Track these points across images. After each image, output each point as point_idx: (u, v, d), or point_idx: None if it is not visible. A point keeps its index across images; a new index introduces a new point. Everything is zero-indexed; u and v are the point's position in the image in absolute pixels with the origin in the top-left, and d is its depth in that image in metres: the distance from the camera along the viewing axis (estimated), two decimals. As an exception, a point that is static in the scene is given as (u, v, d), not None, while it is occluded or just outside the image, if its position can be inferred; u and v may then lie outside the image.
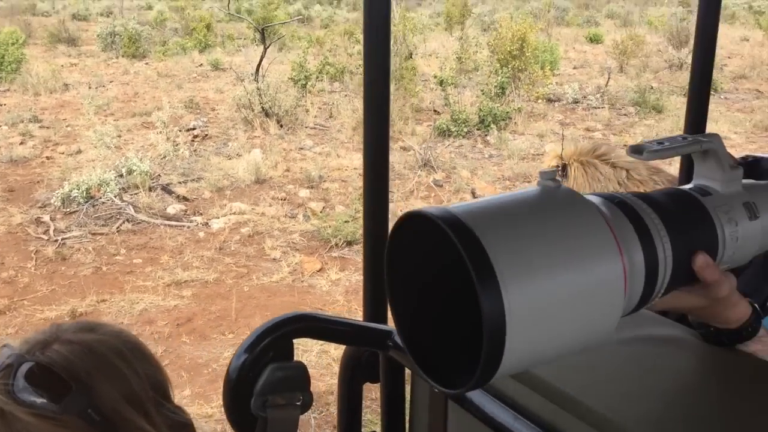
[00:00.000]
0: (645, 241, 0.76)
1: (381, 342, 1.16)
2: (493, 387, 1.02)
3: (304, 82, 12.28)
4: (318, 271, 5.90)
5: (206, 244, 6.45)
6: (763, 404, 0.86)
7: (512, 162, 8.91)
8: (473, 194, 7.69)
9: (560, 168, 5.91)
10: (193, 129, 10.61)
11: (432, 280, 0.77)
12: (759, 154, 1.00)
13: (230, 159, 9.05)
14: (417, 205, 7.45)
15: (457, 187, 8.02)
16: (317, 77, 12.86)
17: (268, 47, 12.43)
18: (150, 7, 36.64)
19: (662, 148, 0.82)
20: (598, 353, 0.97)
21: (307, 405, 1.06)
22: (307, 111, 11.46)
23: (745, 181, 0.91)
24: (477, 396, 1.03)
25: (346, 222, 6.65)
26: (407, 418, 1.25)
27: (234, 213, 7.21)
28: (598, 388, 0.91)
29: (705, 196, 0.85)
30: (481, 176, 8.45)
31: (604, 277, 0.70)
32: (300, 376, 1.07)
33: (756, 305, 0.92)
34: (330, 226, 6.58)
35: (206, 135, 10.42)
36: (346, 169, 8.66)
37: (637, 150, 0.82)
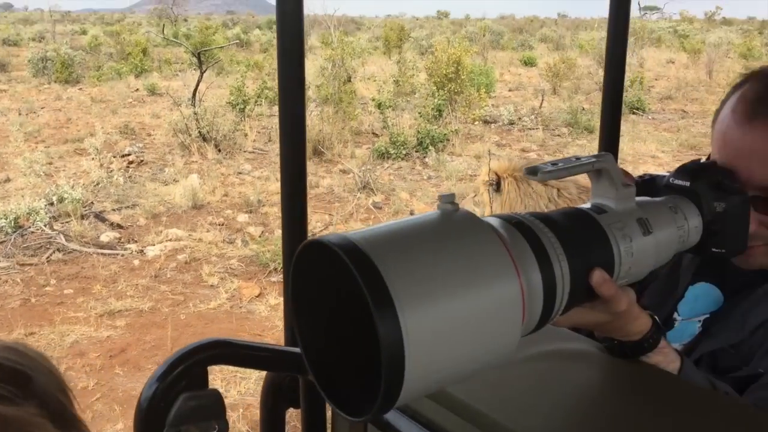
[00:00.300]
0: (542, 260, 0.78)
1: (300, 366, 1.15)
2: (410, 408, 1.02)
3: (242, 107, 12.22)
4: (257, 297, 5.83)
5: (141, 272, 6.30)
6: (664, 414, 0.89)
7: (450, 183, 9.02)
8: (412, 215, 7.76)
9: (495, 182, 6.05)
10: (128, 155, 10.41)
11: (336, 307, 0.77)
12: (654, 172, 1.05)
13: (167, 185, 8.90)
14: (357, 227, 7.45)
15: (397, 209, 8.06)
16: (256, 101, 12.80)
17: (204, 71, 12.34)
18: (84, 32, 35.96)
19: (556, 169, 0.84)
20: (510, 370, 0.99)
21: (222, 434, 1.04)
22: (246, 135, 11.39)
23: (639, 198, 0.95)
24: (395, 418, 1.03)
25: (285, 246, 6.59)
26: (329, 442, 1.24)
27: (170, 239, 7.08)
28: (510, 404, 0.93)
29: (600, 214, 0.88)
30: (420, 197, 8.52)
31: (502, 298, 0.71)
32: (215, 405, 1.05)
33: (656, 318, 0.95)
34: (269, 251, 6.52)
35: (142, 161, 10.23)
36: (285, 193, 8.61)
37: (532, 171, 0.85)
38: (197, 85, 11.74)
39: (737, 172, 1.03)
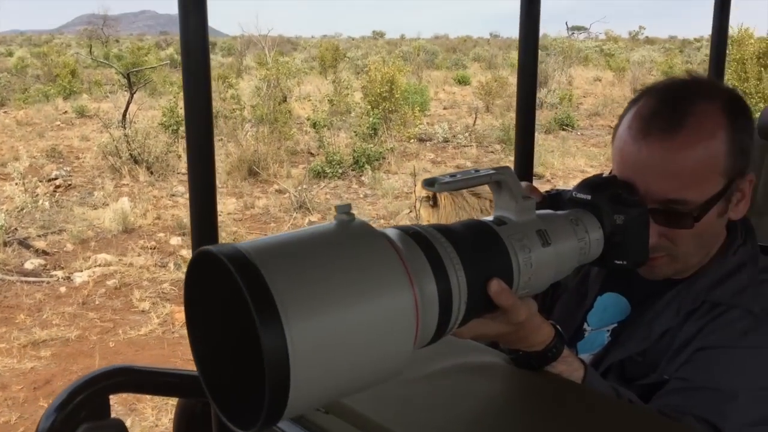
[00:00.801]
0: (438, 271, 0.78)
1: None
2: (315, 425, 1.01)
3: (175, 128, 12.00)
4: (190, 321, 5.70)
5: (68, 299, 6.08)
6: (568, 423, 0.90)
7: (386, 201, 9.06)
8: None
9: (431, 198, 6.12)
10: (55, 179, 10.09)
11: (229, 318, 0.75)
12: (561, 187, 1.06)
13: (96, 209, 8.65)
14: (292, 247, 7.38)
15: (333, 228, 8.03)
16: (189, 122, 12.59)
17: (134, 92, 12.10)
18: (10, 54, 34.87)
19: (453, 180, 0.85)
20: (415, 385, 0.98)
21: (125, 464, 1.00)
22: (179, 157, 11.17)
23: (541, 211, 0.96)
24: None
25: (219, 268, 6.48)
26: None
27: (99, 265, 6.86)
28: (415, 419, 0.92)
29: (500, 225, 0.89)
30: (356, 216, 8.51)
31: (393, 309, 0.70)
32: (117, 435, 1.02)
33: (558, 327, 0.96)
34: (202, 274, 6.39)
35: (70, 185, 9.92)
36: (220, 214, 8.45)
37: (429, 183, 0.85)
38: (127, 107, 11.51)
39: (636, 186, 1.06)
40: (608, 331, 1.18)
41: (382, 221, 8.26)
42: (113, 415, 1.09)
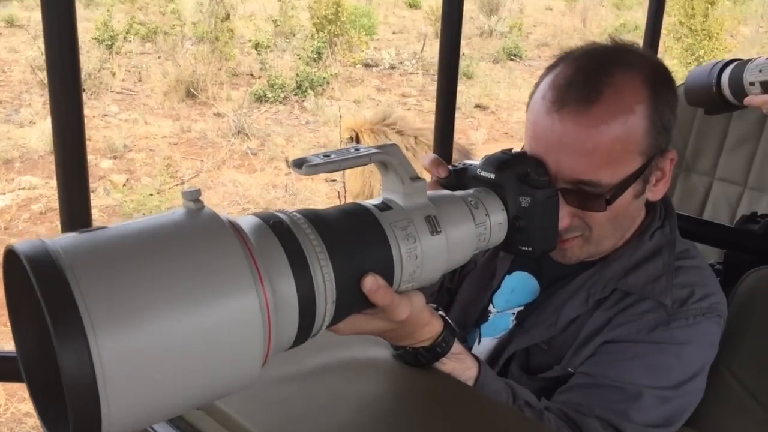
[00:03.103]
0: (297, 267, 0.68)
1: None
2: (184, 421, 0.91)
3: (110, 43, 11.39)
4: (118, 250, 5.52)
5: (-11, 224, 5.81)
6: (454, 427, 0.82)
7: (328, 129, 8.86)
8: (287, 162, 7.58)
9: (354, 139, 5.98)
10: (-22, 94, 9.53)
11: (45, 327, 0.65)
12: (469, 161, 0.95)
13: (22, 127, 8.23)
14: (229, 174, 7.21)
15: (272, 155, 7.84)
16: (125, 37, 11.97)
17: (65, 3, 11.38)
18: (-69, -48, 32.44)
19: (324, 162, 0.74)
20: (293, 384, 0.89)
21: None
22: (114, 74, 10.65)
23: (437, 192, 0.86)
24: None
25: (150, 195, 6.28)
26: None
27: (23, 188, 6.57)
28: (292, 425, 0.83)
29: (384, 211, 0.78)
30: (296, 144, 8.32)
31: (234, 314, 0.60)
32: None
33: (448, 320, 0.88)
34: (133, 201, 6.18)
35: (-6, 100, 9.39)
36: (154, 138, 8.18)
37: (297, 164, 0.74)
38: (57, 18, 10.82)
39: (547, 163, 0.96)
40: (513, 314, 1.10)
41: (322, 149, 8.08)
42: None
